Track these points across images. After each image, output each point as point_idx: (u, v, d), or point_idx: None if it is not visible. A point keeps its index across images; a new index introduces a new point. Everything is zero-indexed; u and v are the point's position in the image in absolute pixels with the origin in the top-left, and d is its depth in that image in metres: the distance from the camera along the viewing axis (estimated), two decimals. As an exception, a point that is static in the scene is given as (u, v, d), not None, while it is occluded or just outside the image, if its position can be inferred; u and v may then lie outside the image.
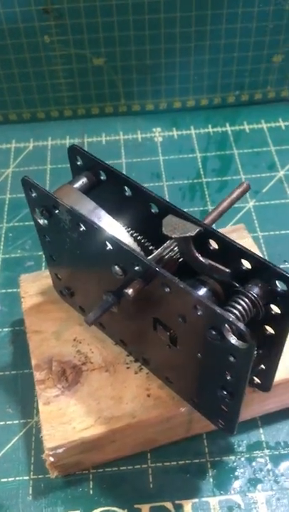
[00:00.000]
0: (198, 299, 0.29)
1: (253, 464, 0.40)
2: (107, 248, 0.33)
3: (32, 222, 0.56)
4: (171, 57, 0.63)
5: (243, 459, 0.40)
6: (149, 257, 0.33)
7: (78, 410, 0.37)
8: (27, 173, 0.62)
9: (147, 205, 0.35)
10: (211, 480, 0.40)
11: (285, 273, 0.30)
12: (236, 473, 0.40)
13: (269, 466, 0.40)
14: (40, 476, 0.40)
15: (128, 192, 0.36)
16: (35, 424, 0.42)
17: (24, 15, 0.58)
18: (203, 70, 0.64)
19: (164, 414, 0.37)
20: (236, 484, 0.39)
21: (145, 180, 0.60)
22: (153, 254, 0.34)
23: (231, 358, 0.29)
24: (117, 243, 0.31)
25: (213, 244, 0.33)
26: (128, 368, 0.39)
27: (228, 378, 0.30)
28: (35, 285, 0.45)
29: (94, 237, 0.33)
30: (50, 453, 0.36)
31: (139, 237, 0.36)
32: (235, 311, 0.30)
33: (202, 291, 0.32)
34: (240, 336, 0.28)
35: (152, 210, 0.35)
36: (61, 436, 0.36)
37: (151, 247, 0.36)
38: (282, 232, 0.55)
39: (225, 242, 0.32)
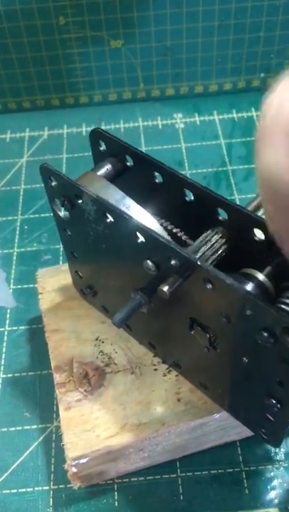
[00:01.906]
0: (248, 297, 0.25)
1: (292, 473, 0.37)
2: (139, 241, 0.29)
3: (48, 214, 0.54)
4: (193, 37, 0.59)
5: (281, 468, 0.37)
6: (187, 249, 0.30)
7: (102, 416, 0.34)
8: (42, 163, 0.59)
9: (182, 192, 0.32)
10: (247, 491, 0.36)
11: None
12: (274, 484, 0.37)
13: (309, 476, 0.37)
14: (61, 486, 0.37)
15: (159, 178, 0.33)
16: (55, 430, 0.39)
17: (38, -6, 0.55)
18: (227, 51, 0.61)
19: (196, 421, 0.34)
20: (274, 496, 0.36)
21: (167, 168, 0.57)
22: (191, 247, 0.30)
23: (284, 364, 0.25)
24: (151, 235, 0.28)
25: (259, 235, 0.29)
26: (156, 369, 0.36)
27: (277, 385, 0.27)
28: (53, 280, 0.42)
29: (123, 229, 0.30)
30: (73, 463, 0.33)
31: (172, 228, 0.33)
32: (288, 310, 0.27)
33: (250, 287, 0.28)
34: None
35: (186, 198, 0.32)
36: (84, 445, 0.33)
37: (185, 238, 0.32)
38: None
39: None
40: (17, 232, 0.53)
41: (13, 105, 0.64)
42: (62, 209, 0.34)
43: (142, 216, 0.31)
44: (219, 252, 0.30)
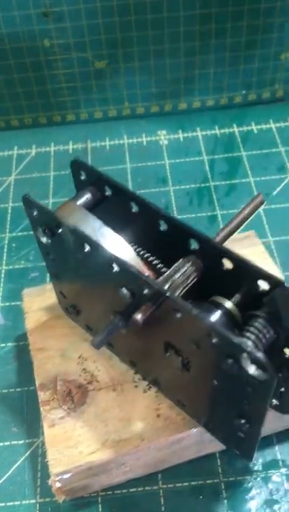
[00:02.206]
0: (212, 327, 0.27)
1: (269, 484, 0.38)
2: (114, 270, 0.31)
3: (35, 232, 0.55)
4: (175, 57, 0.61)
5: (258, 478, 0.39)
6: (159, 279, 0.31)
7: (85, 433, 0.36)
8: (30, 181, 0.61)
9: (156, 222, 0.34)
10: (226, 501, 0.38)
11: None
12: (252, 494, 0.38)
13: (286, 486, 0.38)
14: (47, 500, 0.38)
15: (135, 208, 0.35)
16: (42, 444, 0.41)
17: (23, 19, 0.56)
18: (209, 69, 0.62)
19: (175, 436, 0.36)
20: (252, 506, 0.38)
21: (151, 185, 0.59)
22: (163, 276, 0.32)
23: (249, 389, 0.27)
24: (124, 265, 0.30)
25: (227, 264, 0.31)
26: (136, 386, 0.38)
27: (245, 406, 0.29)
28: (39, 299, 0.43)
29: (100, 259, 0.31)
30: (57, 478, 0.34)
31: (146, 256, 0.34)
32: (253, 338, 0.28)
33: (216, 316, 0.30)
34: (259, 365, 0.26)
35: (161, 228, 0.34)
36: (67, 461, 0.35)
37: (160, 266, 0.34)
38: (295, 237, 0.53)
39: (240, 262, 0.30)
40: (5, 250, 0.54)
41: (1, 123, 0.65)
42: (45, 236, 0.36)
43: (118, 244, 0.33)
44: (190, 280, 0.32)
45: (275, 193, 0.57)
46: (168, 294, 0.28)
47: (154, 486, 0.39)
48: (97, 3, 0.55)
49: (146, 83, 0.63)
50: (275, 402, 0.35)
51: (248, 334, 0.28)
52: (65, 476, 0.34)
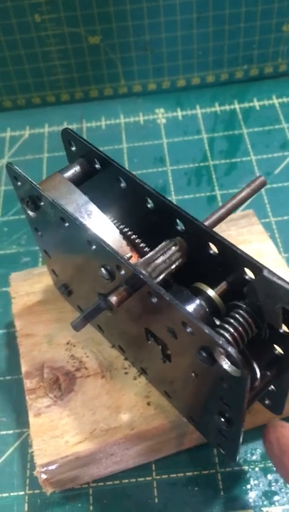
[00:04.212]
0: (185, 316, 0.25)
1: (268, 474, 0.36)
2: (92, 248, 0.29)
3: (28, 215, 0.54)
4: (172, 31, 0.58)
5: (257, 469, 0.37)
6: (140, 260, 0.29)
7: (71, 422, 0.34)
8: (23, 163, 0.59)
9: (143, 199, 0.31)
10: (222, 493, 0.36)
11: None
12: (250, 486, 0.36)
13: (286, 477, 0.36)
14: (36, 491, 0.37)
15: (123, 183, 0.33)
16: (31, 434, 0.39)
17: (11, -8, 0.54)
18: (208, 43, 0.59)
19: (166, 425, 0.34)
20: (250, 497, 0.36)
21: (148, 165, 0.56)
22: (144, 258, 0.30)
23: (225, 384, 0.25)
24: (100, 243, 0.28)
25: (214, 248, 0.29)
26: (126, 373, 0.36)
27: (224, 404, 0.27)
28: (26, 284, 0.41)
29: (78, 235, 0.30)
30: (42, 470, 0.33)
31: (133, 237, 0.32)
32: (230, 330, 0.26)
33: (194, 304, 0.28)
34: (231, 360, 0.24)
35: (148, 205, 0.31)
36: (53, 451, 0.33)
37: (145, 247, 0.32)
38: (297, 216, 0.50)
39: (225, 248, 0.28)
40: (-4, 234, 0.52)
41: (-6, 105, 0.63)
42: (29, 209, 0.34)
43: (103, 223, 0.31)
44: (175, 264, 0.29)
45: (277, 171, 0.54)
46: (142, 277, 0.26)
47: (148, 477, 0.37)
48: (88, -25, 0.53)
49: (142, 59, 0.60)
50: (267, 401, 0.32)
51: (226, 326, 0.26)
52: (51, 467, 0.33)
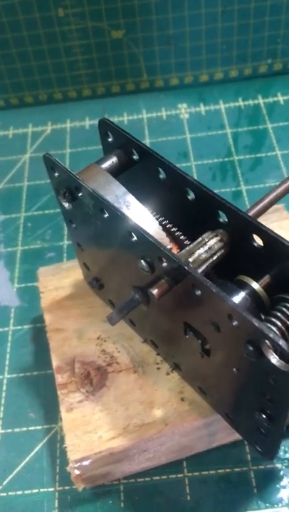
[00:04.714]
0: (233, 308, 0.24)
1: (302, 472, 0.36)
2: (133, 239, 0.28)
3: (52, 210, 0.53)
4: (196, 25, 0.57)
5: (290, 467, 0.36)
6: (181, 252, 0.29)
7: (104, 417, 0.34)
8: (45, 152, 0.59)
9: (183, 190, 0.31)
10: (255, 491, 0.35)
11: None
12: (283, 483, 0.36)
13: None
14: (66, 488, 0.37)
15: (162, 174, 0.32)
16: (60, 430, 0.39)
17: (35, -14, 0.54)
18: (232, 37, 0.59)
19: (201, 421, 0.33)
20: (284, 495, 0.35)
21: (172, 160, 0.55)
22: (185, 249, 0.29)
23: (271, 380, 0.24)
24: (142, 234, 0.27)
25: (258, 241, 0.28)
26: (158, 368, 0.35)
27: (267, 401, 0.26)
28: (54, 278, 0.41)
29: (118, 226, 0.29)
30: (75, 465, 0.32)
31: (172, 228, 0.32)
32: (277, 324, 0.25)
33: (240, 297, 0.27)
34: (282, 355, 0.23)
35: (189, 197, 0.31)
36: (87, 446, 0.33)
37: (185, 240, 0.31)
38: None
39: (272, 239, 0.27)
40: (20, 229, 0.52)
41: (15, 101, 0.63)
42: (65, 201, 0.34)
43: (142, 214, 0.30)
44: (216, 256, 0.29)
45: (303, 166, 0.53)
46: (187, 268, 0.25)
47: (179, 474, 0.36)
48: None
49: (165, 53, 0.60)
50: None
51: (273, 319, 0.26)
52: (84, 463, 0.32)
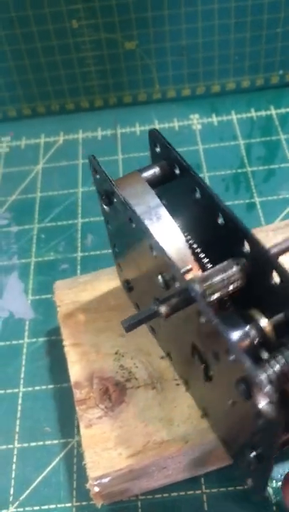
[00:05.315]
0: (228, 343, 0.24)
1: None
2: (153, 254, 0.28)
3: (65, 222, 0.53)
4: (209, 36, 0.57)
5: (309, 484, 0.36)
6: (198, 276, 0.29)
7: (124, 434, 0.33)
8: (58, 169, 0.59)
9: (215, 213, 0.31)
10: (274, 508, 0.35)
11: None
12: (302, 500, 0.35)
13: None
14: (83, 503, 0.36)
15: (198, 194, 0.32)
16: (77, 445, 0.39)
17: (50, -1, 0.54)
18: (245, 48, 0.59)
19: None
20: (303, 513, 0.35)
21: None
22: (203, 273, 0.29)
23: (259, 421, 0.24)
24: (161, 251, 0.27)
25: (276, 278, 0.27)
26: (177, 384, 0.35)
27: (257, 440, 0.26)
28: (71, 292, 0.41)
29: (142, 238, 0.29)
30: (95, 483, 0.32)
31: (197, 250, 0.31)
32: (275, 368, 0.25)
33: (242, 332, 0.27)
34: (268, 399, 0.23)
35: (219, 221, 0.31)
36: (106, 464, 0.32)
37: (209, 264, 0.31)
38: None
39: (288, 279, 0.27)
40: (34, 241, 0.52)
41: (28, 111, 0.63)
42: (103, 203, 0.34)
43: (170, 229, 0.31)
44: (233, 286, 0.29)
45: (317, 177, 0.53)
46: (193, 294, 0.25)
47: (197, 490, 0.36)
48: (127, -20, 0.53)
49: (177, 64, 0.60)
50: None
51: (272, 362, 0.25)
52: (104, 480, 0.32)
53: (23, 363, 0.44)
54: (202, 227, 0.32)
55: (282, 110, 0.60)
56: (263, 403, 0.23)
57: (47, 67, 0.59)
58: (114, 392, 0.35)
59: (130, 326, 0.29)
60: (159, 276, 0.29)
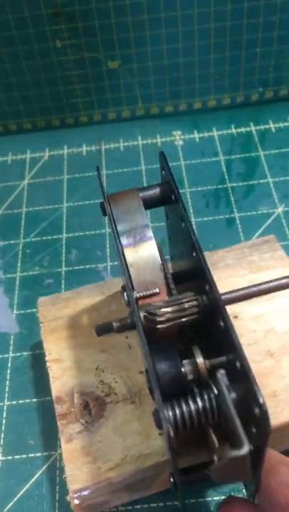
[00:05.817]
0: (150, 369, 0.27)
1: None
2: (125, 272, 0.30)
3: (50, 237, 0.55)
4: (189, 55, 0.59)
5: None
6: (156, 302, 0.30)
7: (103, 448, 0.35)
8: (43, 185, 0.60)
9: (191, 246, 0.31)
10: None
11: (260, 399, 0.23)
12: None
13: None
14: (65, 515, 0.38)
15: (183, 224, 0.33)
16: (59, 457, 0.40)
17: (34, 19, 0.55)
18: (224, 67, 0.61)
19: (198, 452, 0.34)
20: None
21: (167, 187, 0.57)
22: (159, 300, 0.30)
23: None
24: (125, 269, 0.29)
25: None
26: (155, 399, 0.37)
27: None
28: (54, 308, 0.42)
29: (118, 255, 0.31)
30: (75, 495, 0.33)
31: (169, 276, 0.33)
32: (182, 408, 0.27)
33: (169, 364, 0.29)
34: None
35: (193, 253, 0.31)
36: (86, 477, 0.34)
37: (173, 287, 0.32)
38: (316, 239, 0.51)
39: (226, 330, 0.27)
40: (19, 256, 0.53)
41: (13, 127, 0.64)
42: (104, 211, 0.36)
43: (150, 250, 0.32)
44: (185, 319, 0.30)
45: (294, 193, 0.55)
46: (135, 319, 0.27)
47: (176, 501, 0.37)
48: (110, 3, 0.54)
49: (160, 82, 0.61)
50: None
51: (189, 401, 0.27)
52: (84, 493, 0.33)
53: (8, 376, 0.45)
54: (180, 256, 0.33)
55: (262, 127, 0.62)
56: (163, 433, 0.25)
57: (32, 85, 0.61)
58: (94, 407, 0.36)
59: (100, 329, 0.31)
60: (125, 293, 0.30)
